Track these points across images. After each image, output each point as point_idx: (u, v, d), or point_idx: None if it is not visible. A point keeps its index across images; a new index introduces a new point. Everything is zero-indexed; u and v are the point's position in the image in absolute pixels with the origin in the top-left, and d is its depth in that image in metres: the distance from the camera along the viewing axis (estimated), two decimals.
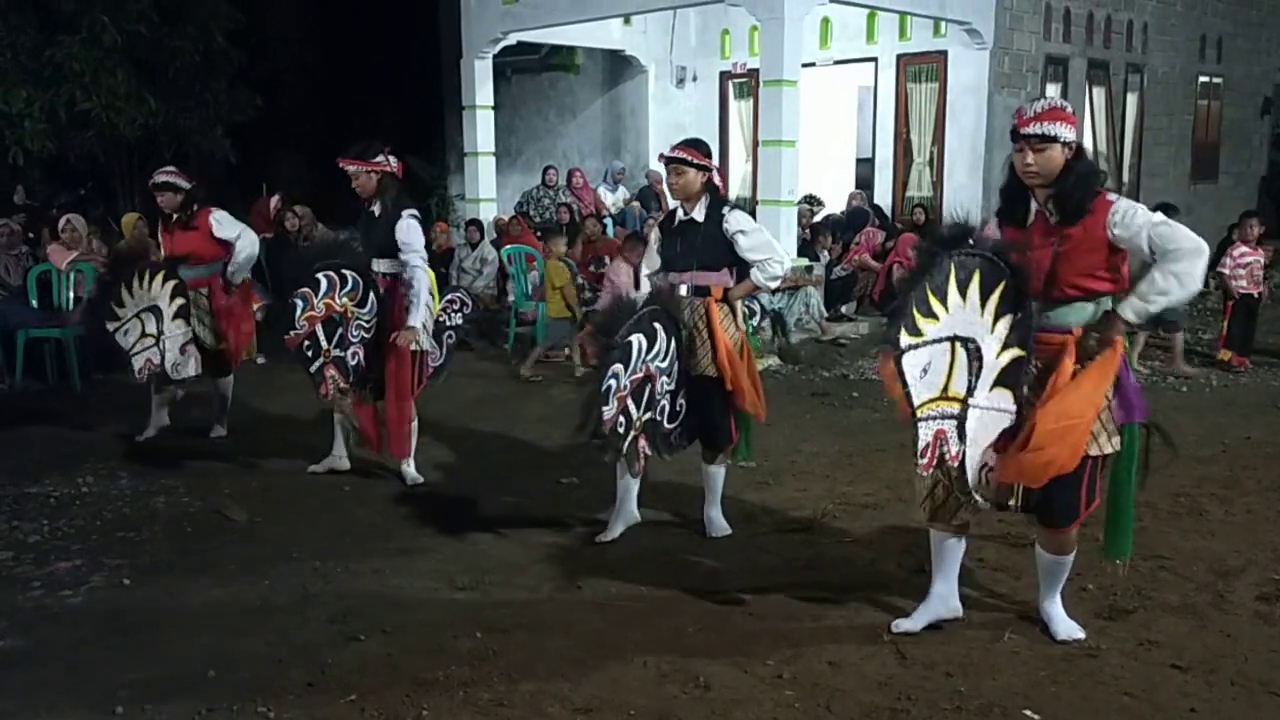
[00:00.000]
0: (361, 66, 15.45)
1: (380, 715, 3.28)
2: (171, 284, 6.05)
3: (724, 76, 13.84)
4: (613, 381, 4.18)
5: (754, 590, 4.17)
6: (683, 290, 4.64)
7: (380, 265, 5.44)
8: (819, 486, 5.54)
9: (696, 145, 4.70)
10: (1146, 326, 7.73)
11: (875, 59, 12.49)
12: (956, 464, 3.36)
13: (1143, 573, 4.30)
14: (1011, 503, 3.58)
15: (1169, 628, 3.82)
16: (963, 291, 3.31)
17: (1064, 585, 3.83)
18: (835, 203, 12.74)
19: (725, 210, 4.62)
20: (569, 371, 8.40)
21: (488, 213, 12.46)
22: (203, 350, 6.24)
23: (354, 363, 5.36)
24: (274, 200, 11.76)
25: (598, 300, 9.46)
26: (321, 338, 5.25)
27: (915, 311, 3.31)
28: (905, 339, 3.31)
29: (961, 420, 3.33)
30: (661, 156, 4.73)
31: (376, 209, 5.41)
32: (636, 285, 5.19)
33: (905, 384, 3.33)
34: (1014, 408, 3.42)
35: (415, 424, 5.61)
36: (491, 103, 12.54)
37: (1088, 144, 10.15)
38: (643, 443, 4.41)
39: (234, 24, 11.21)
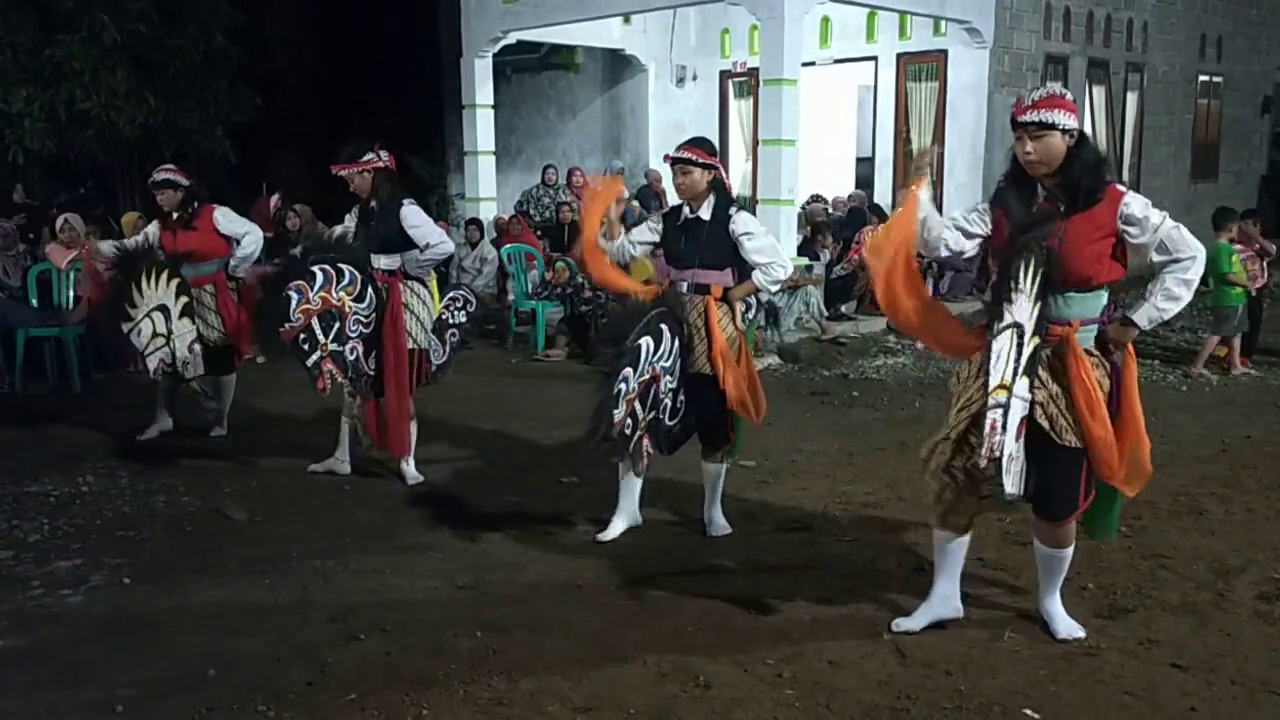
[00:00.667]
0: (361, 66, 15.45)
1: (380, 714, 3.28)
2: (175, 282, 6.05)
3: (724, 75, 13.85)
4: (622, 385, 4.20)
5: (754, 589, 4.17)
6: (683, 287, 4.65)
7: (380, 261, 5.45)
8: (819, 486, 5.54)
9: (702, 144, 4.70)
10: (1227, 330, 8.21)
11: (875, 58, 12.50)
12: (998, 453, 3.35)
13: (1143, 572, 4.30)
14: (1023, 492, 3.58)
15: (1169, 627, 3.82)
16: (1028, 276, 3.32)
17: (1064, 584, 3.83)
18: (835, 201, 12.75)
19: (732, 211, 4.62)
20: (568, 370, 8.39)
21: (488, 212, 12.47)
22: (206, 348, 6.24)
23: (352, 358, 5.36)
24: (274, 199, 11.76)
25: (595, 299, 9.48)
26: (318, 331, 5.23)
27: (1009, 292, 3.31)
28: (997, 324, 3.31)
29: (1007, 409, 3.34)
30: (667, 157, 4.72)
31: (375, 205, 5.43)
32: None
33: (988, 369, 3.32)
34: (1029, 396, 3.43)
35: (415, 423, 5.61)
36: (491, 102, 12.55)
37: None
38: (647, 441, 4.42)
39: (234, 23, 11.22)
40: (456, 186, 14.42)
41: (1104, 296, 3.54)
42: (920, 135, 12.27)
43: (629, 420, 4.27)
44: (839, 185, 13.42)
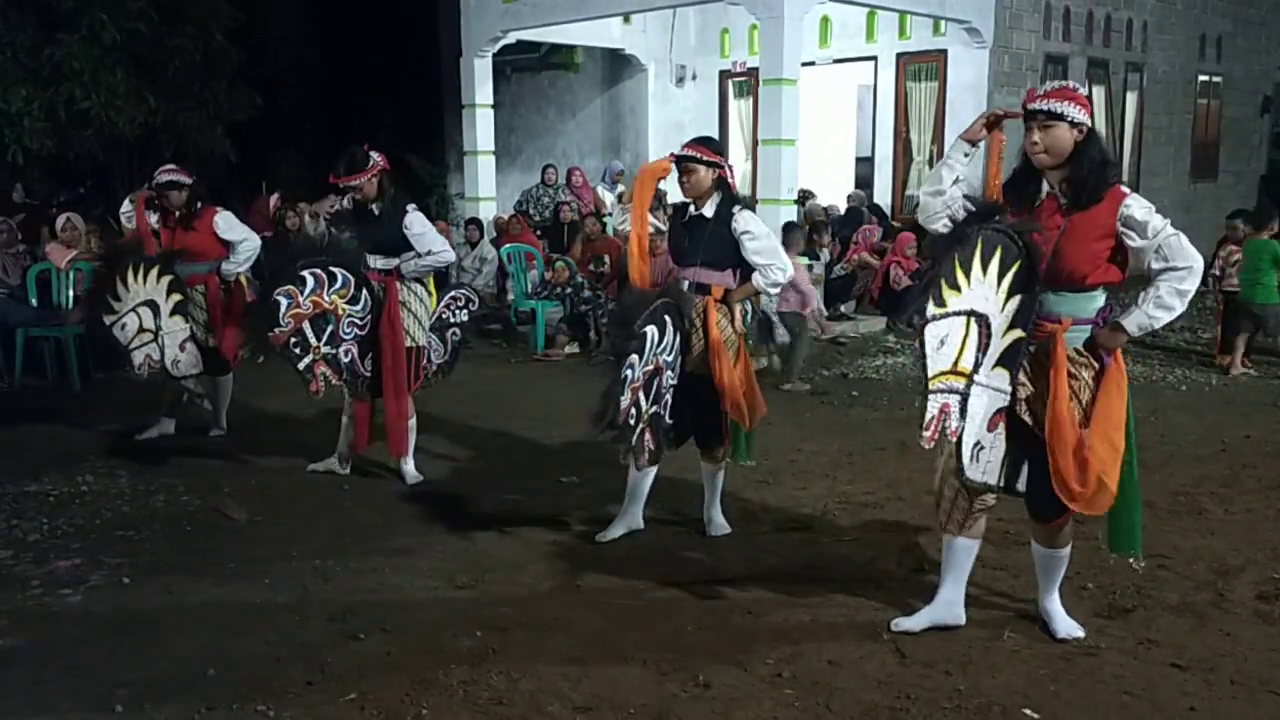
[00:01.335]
0: (361, 66, 15.43)
1: (380, 714, 3.28)
2: (167, 279, 6.03)
3: (724, 75, 13.85)
4: (629, 371, 4.17)
5: (754, 589, 4.17)
6: (684, 285, 4.64)
7: (378, 262, 5.45)
8: (819, 485, 5.54)
9: (706, 143, 4.70)
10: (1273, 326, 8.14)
11: (875, 58, 12.51)
12: (955, 440, 3.35)
13: (1142, 572, 4.30)
14: (997, 482, 3.57)
15: (1169, 627, 3.82)
16: (984, 266, 3.29)
17: (1063, 584, 3.83)
18: (834, 201, 12.74)
19: (736, 210, 4.60)
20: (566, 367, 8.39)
21: (487, 211, 12.47)
22: (202, 348, 6.24)
23: (346, 360, 5.36)
24: (273, 199, 11.76)
25: (595, 298, 9.49)
26: (310, 335, 5.22)
27: (943, 282, 3.26)
28: (931, 309, 3.26)
29: (965, 396, 3.32)
30: (672, 156, 4.71)
31: (376, 208, 5.42)
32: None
33: (924, 354, 3.29)
34: (1008, 389, 3.42)
35: (414, 422, 5.61)
36: (491, 101, 12.55)
37: None
38: (648, 436, 4.41)
39: (234, 23, 11.21)
40: (456, 186, 14.41)
41: (1099, 297, 3.52)
42: (920, 135, 12.29)
43: (632, 410, 4.25)
44: (838, 185, 13.42)
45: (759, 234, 4.59)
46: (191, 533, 4.94)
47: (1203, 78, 14.83)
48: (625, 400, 4.17)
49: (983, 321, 3.31)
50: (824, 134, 13.51)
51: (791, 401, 7.42)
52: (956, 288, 3.26)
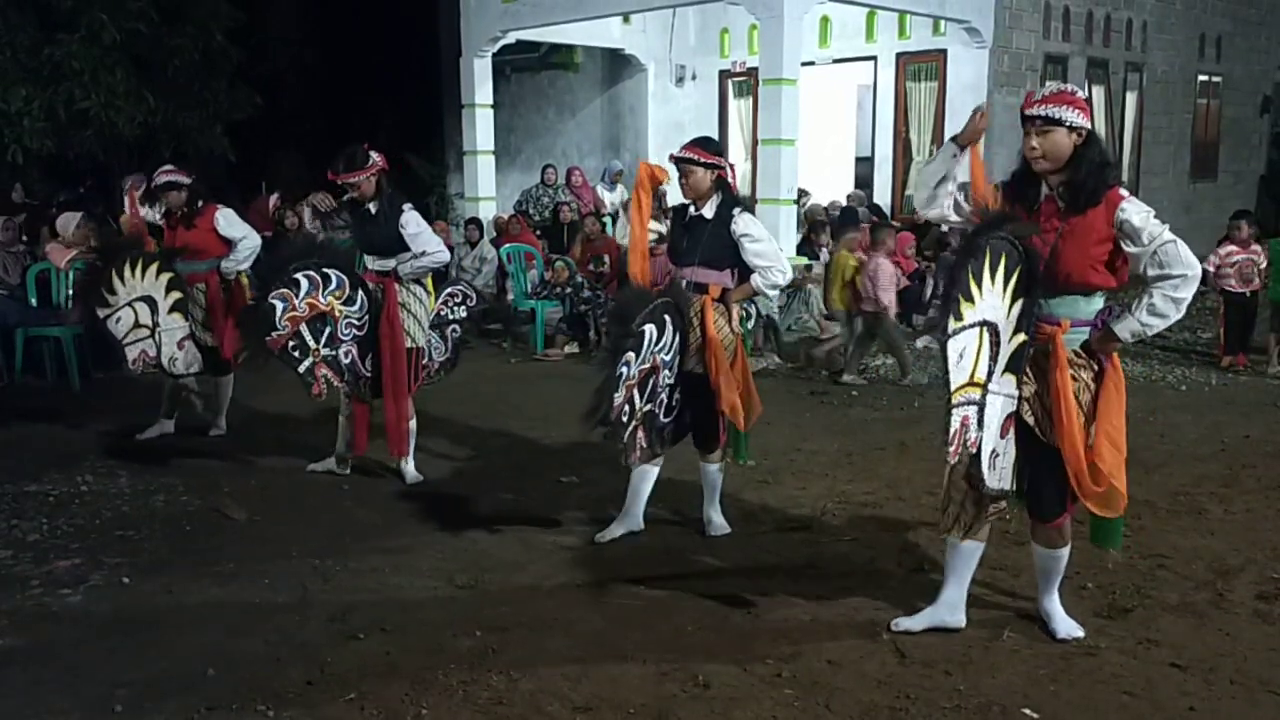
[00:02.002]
0: (361, 66, 15.44)
1: (380, 714, 3.28)
2: (167, 276, 6.03)
3: (723, 75, 13.85)
4: (625, 369, 4.18)
5: (753, 589, 4.17)
6: (682, 285, 4.64)
7: (374, 263, 5.44)
8: (818, 485, 5.54)
9: (705, 144, 4.70)
10: None
11: (875, 57, 12.51)
12: (974, 450, 3.34)
13: (1142, 571, 4.30)
14: (1011, 487, 3.57)
15: (1168, 626, 3.82)
16: (993, 274, 3.28)
17: (1063, 584, 3.83)
18: (834, 199, 12.75)
19: (735, 211, 4.60)
20: (566, 368, 8.39)
21: (487, 211, 12.47)
22: (201, 348, 6.24)
23: (347, 361, 5.35)
24: (273, 199, 11.75)
25: (595, 298, 9.49)
26: (308, 337, 5.22)
27: (960, 295, 3.24)
28: (951, 323, 3.23)
29: (982, 406, 3.31)
30: (672, 157, 4.71)
31: (373, 207, 5.42)
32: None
33: (946, 369, 3.25)
34: (1016, 393, 3.42)
35: (414, 422, 5.61)
36: (491, 101, 12.55)
37: None
38: (640, 435, 4.41)
39: (233, 23, 11.22)
40: (456, 186, 14.41)
41: (1098, 300, 3.52)
42: (920, 135, 12.28)
43: (626, 407, 4.26)
44: (838, 185, 13.42)
45: (759, 236, 4.60)
46: (191, 533, 4.94)
47: (1202, 78, 14.83)
48: (619, 397, 4.18)
49: (992, 330, 3.31)
50: (824, 134, 13.51)
51: (791, 402, 7.42)
52: (971, 300, 3.25)
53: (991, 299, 3.29)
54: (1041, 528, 3.67)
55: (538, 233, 11.73)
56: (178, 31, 10.62)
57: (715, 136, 13.23)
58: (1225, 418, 6.92)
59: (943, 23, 11.58)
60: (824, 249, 10.54)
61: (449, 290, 5.76)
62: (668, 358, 4.44)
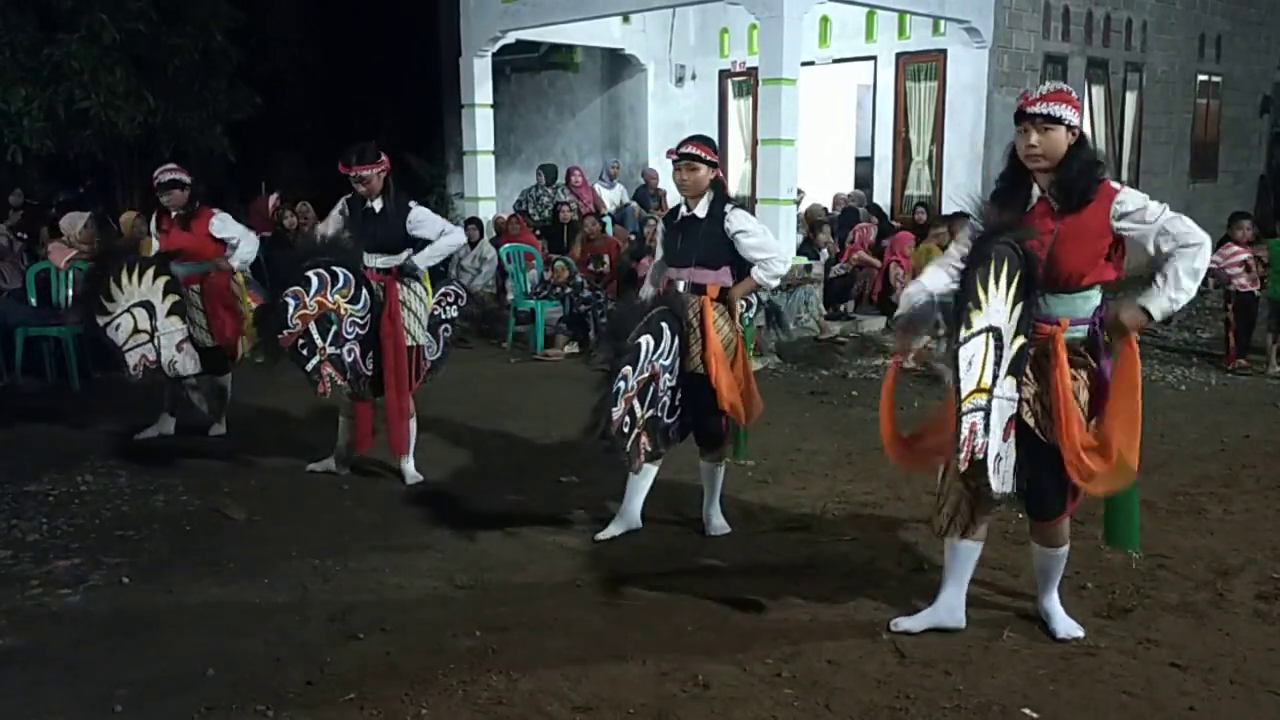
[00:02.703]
0: (361, 66, 15.44)
1: (380, 714, 3.28)
2: (164, 280, 6.03)
3: (723, 75, 13.84)
4: (621, 384, 4.20)
5: (753, 589, 4.17)
6: (680, 286, 4.65)
7: (377, 261, 5.45)
8: (818, 485, 5.54)
9: (707, 142, 4.71)
10: None
11: (874, 57, 12.50)
12: (982, 455, 3.34)
13: (1142, 571, 4.30)
14: (1013, 489, 3.57)
15: (1168, 626, 3.82)
16: (997, 280, 3.28)
17: (1063, 584, 3.83)
18: (828, 200, 12.75)
19: (727, 209, 4.60)
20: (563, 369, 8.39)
21: (487, 211, 12.46)
22: (200, 349, 6.23)
23: (350, 360, 5.36)
24: (273, 199, 11.76)
25: (595, 298, 9.49)
26: (316, 336, 5.23)
27: (970, 304, 3.23)
28: (962, 331, 3.22)
29: (988, 412, 3.32)
30: (671, 152, 4.70)
31: (378, 205, 5.44)
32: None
33: (957, 377, 3.24)
34: (1016, 396, 3.43)
35: (414, 421, 5.62)
36: (491, 101, 12.54)
37: None
38: (644, 439, 4.42)
39: (233, 23, 11.21)
40: (456, 186, 14.41)
41: (1095, 297, 3.52)
42: (919, 135, 12.28)
43: (627, 418, 4.27)
44: (838, 185, 13.42)
45: (753, 230, 4.60)
46: (191, 533, 4.94)
47: (1202, 78, 14.82)
48: (618, 411, 4.19)
49: (997, 334, 3.31)
50: (823, 134, 13.50)
51: (791, 401, 7.42)
52: (980, 307, 3.25)
53: (996, 304, 3.29)
54: (1041, 527, 3.67)
55: (537, 232, 11.73)
56: (177, 31, 10.62)
57: (715, 136, 13.30)
58: (1225, 418, 6.92)
59: (942, 23, 11.57)
60: (824, 249, 10.55)
61: (442, 290, 5.78)
62: (667, 363, 4.45)
